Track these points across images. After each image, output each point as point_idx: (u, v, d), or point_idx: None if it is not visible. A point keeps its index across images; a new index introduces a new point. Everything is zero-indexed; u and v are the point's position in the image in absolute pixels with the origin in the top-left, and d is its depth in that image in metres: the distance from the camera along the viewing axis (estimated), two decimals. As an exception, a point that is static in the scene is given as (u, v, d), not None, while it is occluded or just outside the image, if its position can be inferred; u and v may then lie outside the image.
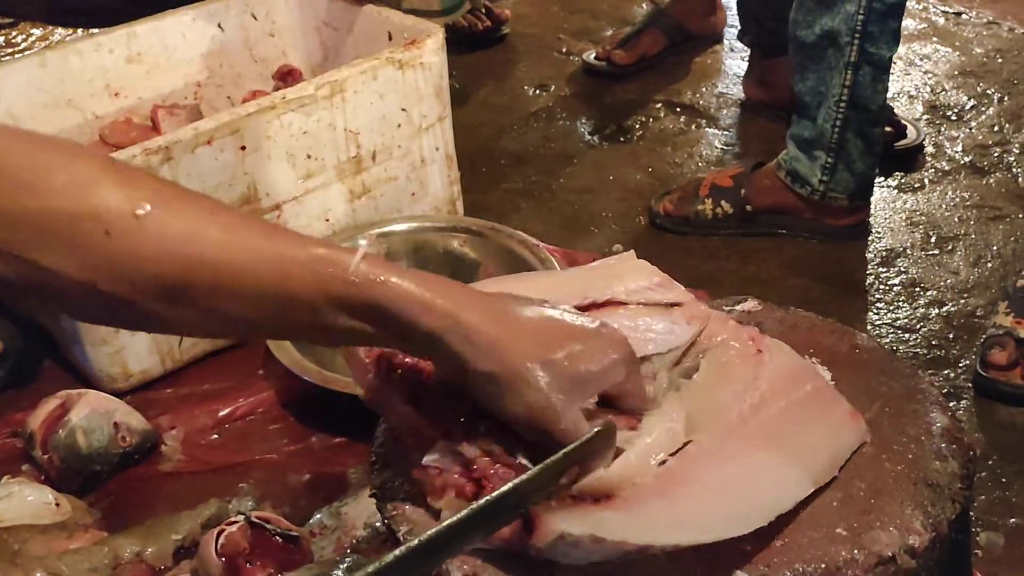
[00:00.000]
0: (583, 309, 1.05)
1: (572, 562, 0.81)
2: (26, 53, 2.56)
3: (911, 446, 0.94)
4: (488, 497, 0.81)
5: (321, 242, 0.86)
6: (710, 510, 0.85)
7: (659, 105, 2.52)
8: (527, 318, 0.89)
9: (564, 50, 2.79)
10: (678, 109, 2.50)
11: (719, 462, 0.88)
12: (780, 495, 0.87)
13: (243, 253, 0.83)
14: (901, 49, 1.97)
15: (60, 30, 2.87)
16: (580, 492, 0.84)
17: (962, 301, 1.87)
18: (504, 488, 0.81)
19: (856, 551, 0.85)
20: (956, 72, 2.57)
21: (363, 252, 0.84)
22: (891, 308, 1.87)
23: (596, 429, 0.87)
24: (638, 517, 0.82)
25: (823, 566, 0.84)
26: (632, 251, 1.15)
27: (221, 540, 1.18)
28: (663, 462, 0.88)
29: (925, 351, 1.76)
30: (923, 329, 1.81)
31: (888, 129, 2.17)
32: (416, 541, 0.77)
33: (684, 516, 0.84)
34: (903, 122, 2.28)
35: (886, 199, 2.15)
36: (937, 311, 1.85)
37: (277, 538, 1.20)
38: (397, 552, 0.76)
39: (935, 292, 1.90)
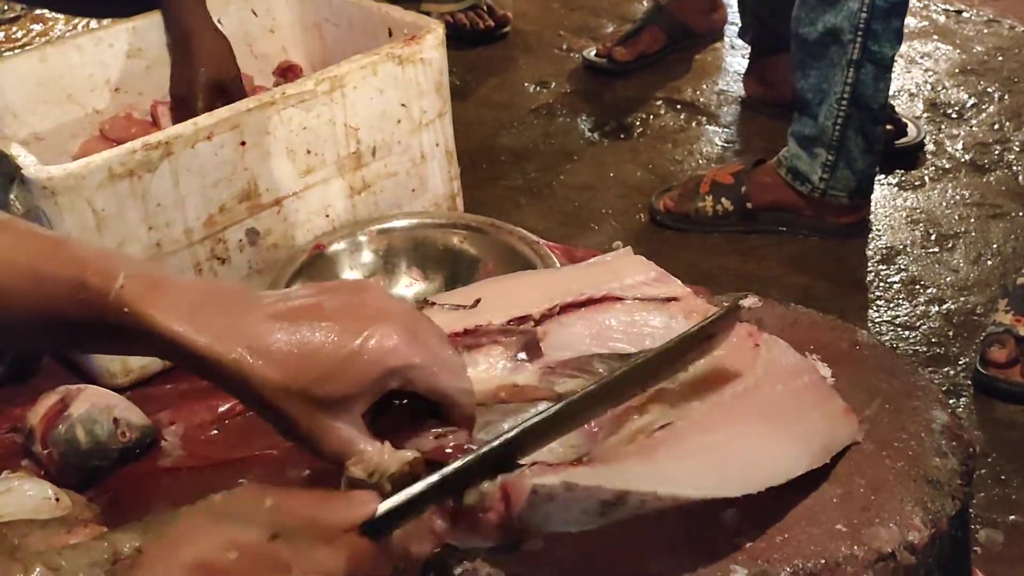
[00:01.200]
0: (580, 305, 1.05)
1: (557, 526, 0.79)
2: (26, 48, 2.56)
3: (911, 443, 0.94)
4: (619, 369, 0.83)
5: (79, 261, 0.80)
6: (694, 469, 0.84)
7: (659, 102, 2.52)
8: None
9: (564, 47, 2.79)
10: (678, 106, 2.50)
11: (707, 431, 0.87)
12: (772, 465, 0.86)
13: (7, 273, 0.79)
14: (902, 47, 1.98)
15: (60, 25, 2.87)
16: (558, 460, 0.83)
17: (962, 299, 1.87)
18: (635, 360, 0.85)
19: (856, 547, 0.85)
20: (957, 70, 2.57)
21: (122, 278, 0.79)
22: (891, 306, 1.87)
23: (725, 306, 0.90)
24: (614, 469, 0.81)
25: (823, 562, 0.84)
26: (629, 247, 1.15)
27: (220, 535, 1.18)
28: (649, 435, 0.88)
29: (925, 349, 1.76)
30: (923, 327, 1.81)
31: (888, 127, 2.17)
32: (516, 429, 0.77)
33: (665, 472, 0.83)
34: (903, 120, 2.28)
35: (886, 197, 2.15)
36: (937, 309, 1.85)
37: (276, 533, 1.20)
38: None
39: (935, 290, 1.90)
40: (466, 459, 0.77)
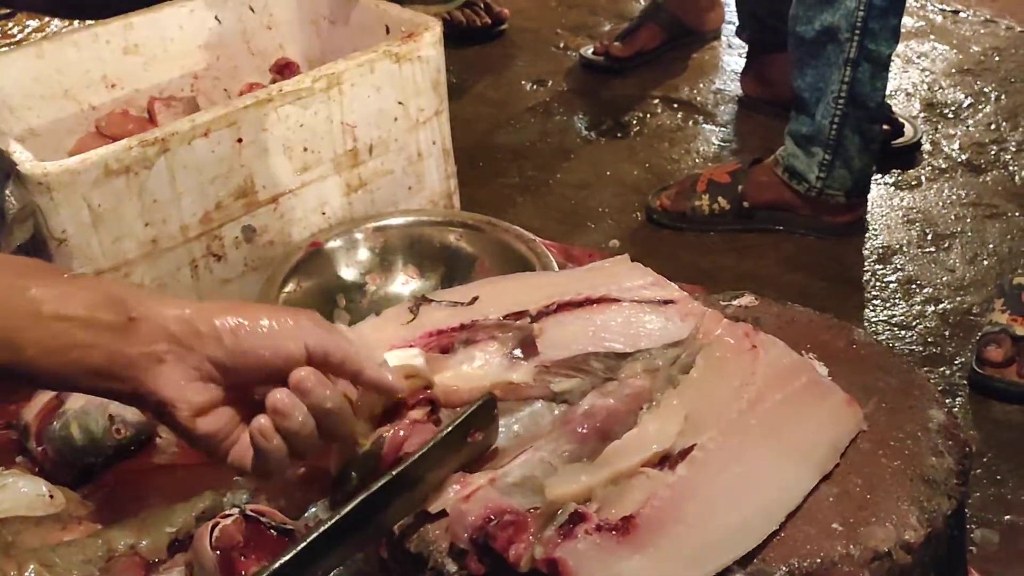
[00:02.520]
0: (578, 305, 1.05)
1: None
2: (22, 44, 2.55)
3: (907, 442, 0.94)
4: (385, 478, 0.83)
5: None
6: (725, 526, 0.84)
7: (656, 101, 2.52)
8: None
9: (562, 45, 2.79)
10: (675, 105, 2.50)
11: (726, 465, 0.88)
12: (788, 492, 0.87)
13: None
14: (899, 47, 1.98)
15: (56, 22, 2.86)
16: (604, 520, 0.82)
17: (958, 298, 1.87)
18: (401, 467, 0.84)
19: (852, 546, 0.85)
20: (953, 70, 2.57)
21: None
22: (887, 305, 1.87)
23: (478, 402, 0.90)
24: (662, 559, 0.81)
25: (818, 561, 0.84)
26: (627, 254, 1.15)
27: (215, 533, 1.18)
28: (672, 466, 0.87)
29: (921, 348, 1.76)
30: (919, 326, 1.81)
31: (885, 127, 2.17)
32: (318, 531, 0.79)
33: (703, 543, 0.83)
34: (900, 120, 2.28)
35: (883, 196, 2.15)
36: (933, 308, 1.85)
37: (272, 531, 1.20)
38: (303, 542, 0.78)
39: (931, 289, 1.90)
40: (317, 532, 0.79)
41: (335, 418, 0.86)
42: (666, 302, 1.06)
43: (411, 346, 0.99)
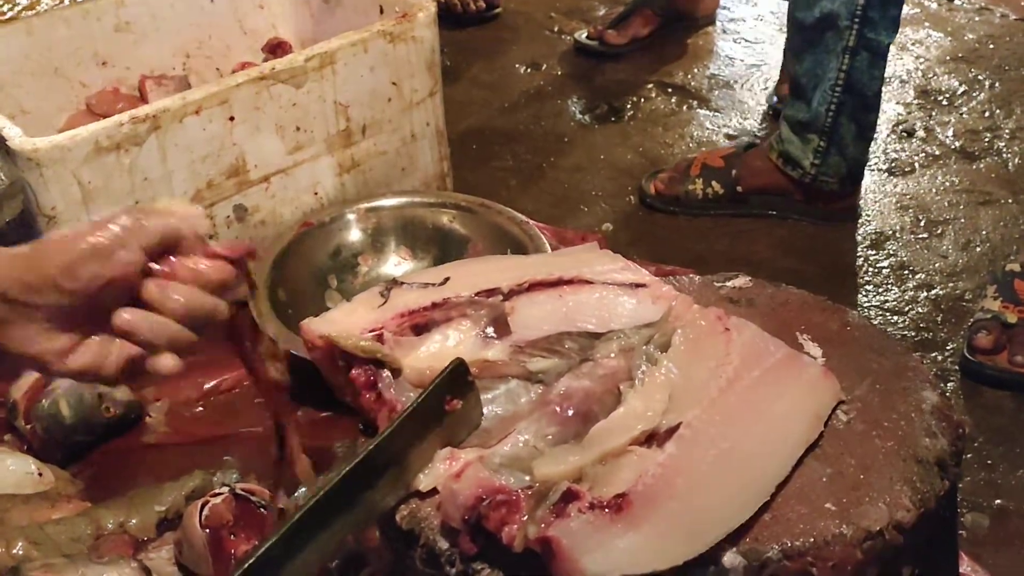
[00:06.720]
0: (550, 285, 1.05)
1: None
2: (12, 21, 2.53)
3: (901, 423, 0.94)
4: (362, 452, 0.82)
5: None
6: (717, 500, 0.84)
7: (651, 85, 2.51)
8: None
9: (556, 29, 2.78)
10: (669, 90, 2.50)
11: (713, 442, 0.88)
12: (776, 464, 0.87)
13: None
14: (893, 34, 1.97)
15: None
16: (596, 498, 0.82)
17: (950, 285, 1.87)
18: (376, 439, 0.83)
19: (845, 526, 0.84)
20: (948, 57, 2.57)
21: None
22: (880, 291, 1.87)
23: (448, 367, 0.89)
24: (657, 534, 0.81)
25: (811, 540, 0.83)
26: (595, 243, 1.15)
27: (205, 512, 1.18)
28: (660, 444, 0.87)
29: (913, 333, 1.76)
30: (911, 312, 1.81)
31: None
32: (305, 507, 0.78)
33: (696, 517, 0.83)
34: None
35: (877, 182, 2.15)
36: (925, 294, 1.85)
37: (261, 510, 1.20)
38: (282, 529, 0.76)
39: (924, 275, 1.90)
40: (305, 508, 0.79)
41: (191, 311, 0.87)
42: (638, 286, 1.06)
43: (382, 328, 0.98)
